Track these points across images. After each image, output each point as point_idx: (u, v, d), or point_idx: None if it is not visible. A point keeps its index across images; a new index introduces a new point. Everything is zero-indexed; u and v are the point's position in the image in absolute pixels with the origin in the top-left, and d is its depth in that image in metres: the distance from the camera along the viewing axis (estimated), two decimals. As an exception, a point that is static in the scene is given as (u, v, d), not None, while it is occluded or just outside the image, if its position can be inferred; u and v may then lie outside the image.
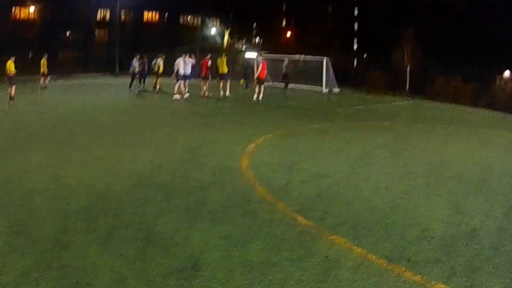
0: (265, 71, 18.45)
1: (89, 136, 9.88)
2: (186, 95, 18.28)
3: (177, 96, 17.82)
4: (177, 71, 18.32)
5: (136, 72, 21.54)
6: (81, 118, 12.75)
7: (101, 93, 20.75)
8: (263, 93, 18.00)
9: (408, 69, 29.85)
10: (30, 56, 54.80)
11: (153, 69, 22.27)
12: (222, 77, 19.17)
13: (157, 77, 22.07)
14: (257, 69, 18.40)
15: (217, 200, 5.76)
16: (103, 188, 6.08)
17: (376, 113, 17.02)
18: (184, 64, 18.46)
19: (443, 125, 15.06)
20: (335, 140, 10.43)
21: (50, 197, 5.65)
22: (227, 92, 18.94)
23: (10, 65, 16.19)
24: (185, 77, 18.45)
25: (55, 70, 38.08)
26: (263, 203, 5.76)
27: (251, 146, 9.15)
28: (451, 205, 6.05)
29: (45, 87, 22.15)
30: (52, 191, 5.87)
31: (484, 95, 26.57)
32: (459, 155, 9.68)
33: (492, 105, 24.04)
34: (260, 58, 18.84)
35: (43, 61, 22.48)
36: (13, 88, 15.82)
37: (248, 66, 26.05)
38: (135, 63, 21.62)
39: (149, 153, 8.31)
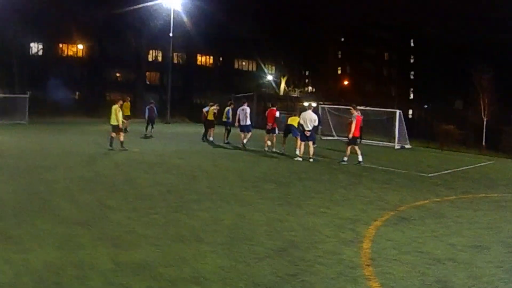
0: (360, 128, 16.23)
1: (125, 213, 7.83)
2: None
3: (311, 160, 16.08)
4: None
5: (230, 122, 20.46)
6: (116, 182, 10.62)
7: (150, 145, 18.86)
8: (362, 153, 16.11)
9: (485, 121, 27.20)
10: (76, 96, 53.93)
11: (205, 116, 20.80)
12: (293, 133, 17.27)
13: (210, 126, 20.52)
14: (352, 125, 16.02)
15: None
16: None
17: (471, 180, 14.63)
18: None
19: None
20: (462, 230, 8.00)
21: None
22: (298, 152, 16.60)
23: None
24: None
25: (101, 113, 36.75)
26: None
27: (366, 245, 6.71)
28: None
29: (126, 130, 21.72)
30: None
31: None
32: None
33: None
34: (354, 111, 16.17)
35: (127, 105, 22.41)
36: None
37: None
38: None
39: (221, 260, 5.71)
